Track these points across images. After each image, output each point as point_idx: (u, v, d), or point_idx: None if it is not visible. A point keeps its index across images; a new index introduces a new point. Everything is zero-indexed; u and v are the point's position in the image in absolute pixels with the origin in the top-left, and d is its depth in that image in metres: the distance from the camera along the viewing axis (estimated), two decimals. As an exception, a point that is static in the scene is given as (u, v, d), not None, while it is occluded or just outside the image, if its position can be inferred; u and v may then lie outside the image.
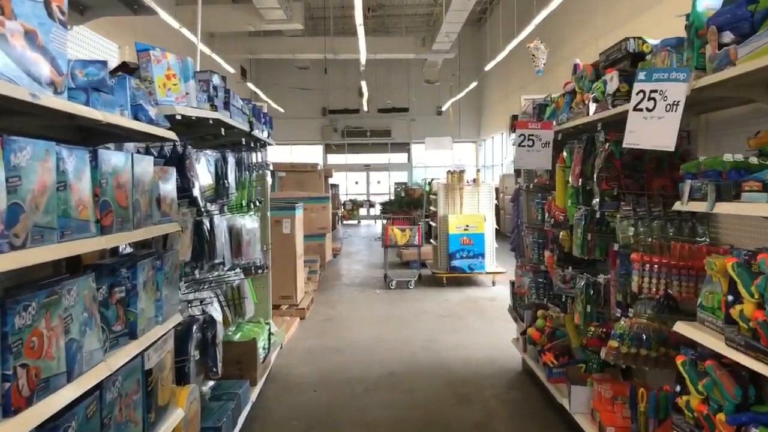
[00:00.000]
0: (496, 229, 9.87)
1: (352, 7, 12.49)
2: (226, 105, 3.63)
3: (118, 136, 2.54)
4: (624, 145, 2.74)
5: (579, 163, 3.72)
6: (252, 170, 4.87)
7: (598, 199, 3.31)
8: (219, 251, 3.78)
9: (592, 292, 3.77)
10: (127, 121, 2.28)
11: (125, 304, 2.28)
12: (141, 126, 2.40)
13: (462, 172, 9.61)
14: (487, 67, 16.33)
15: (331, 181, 26.71)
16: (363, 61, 15.77)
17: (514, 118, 5.28)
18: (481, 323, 7.11)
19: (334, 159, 28.17)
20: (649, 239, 3.10)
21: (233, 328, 4.37)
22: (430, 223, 10.54)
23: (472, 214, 9.56)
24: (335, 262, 12.19)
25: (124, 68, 2.84)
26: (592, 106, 3.47)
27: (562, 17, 14.69)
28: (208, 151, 4.00)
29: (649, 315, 3.04)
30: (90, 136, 2.44)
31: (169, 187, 2.78)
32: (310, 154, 27.09)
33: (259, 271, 4.79)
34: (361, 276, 10.73)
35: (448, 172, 9.72)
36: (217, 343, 3.43)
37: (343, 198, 26.03)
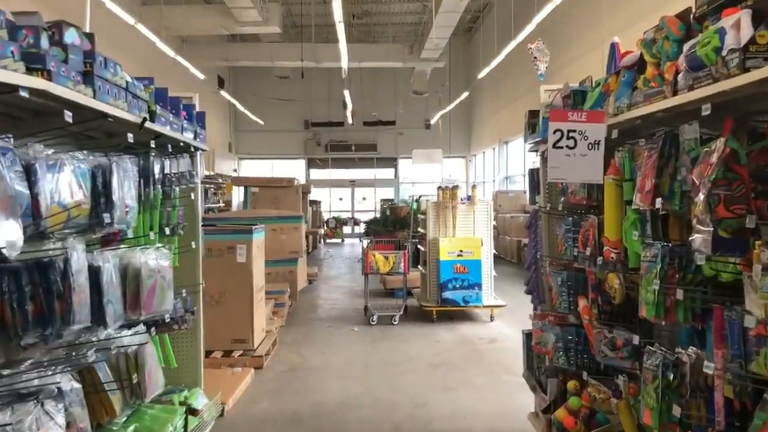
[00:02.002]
0: (496, 255, 8.50)
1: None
2: (88, 75, 2.24)
3: None
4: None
5: (651, 175, 2.36)
6: (170, 184, 3.47)
7: (704, 235, 1.94)
8: (79, 309, 2.37)
9: (672, 376, 2.39)
10: None
11: None
12: None
13: (455, 188, 8.26)
14: (481, 74, 15.08)
15: (312, 197, 25.44)
16: (345, 67, 14.45)
17: (533, 114, 3.92)
18: (483, 378, 5.68)
19: (317, 174, 26.79)
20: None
21: (122, 420, 2.92)
22: (418, 246, 9.15)
23: (467, 238, 8.20)
24: (311, 289, 10.75)
25: None
26: (684, 79, 2.11)
27: (564, 19, 13.49)
28: (79, 154, 2.59)
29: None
30: None
31: None
32: (292, 168, 25.69)
33: (176, 326, 3.37)
34: (339, 307, 9.29)
35: (439, 188, 8.36)
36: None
37: (326, 215, 24.64)
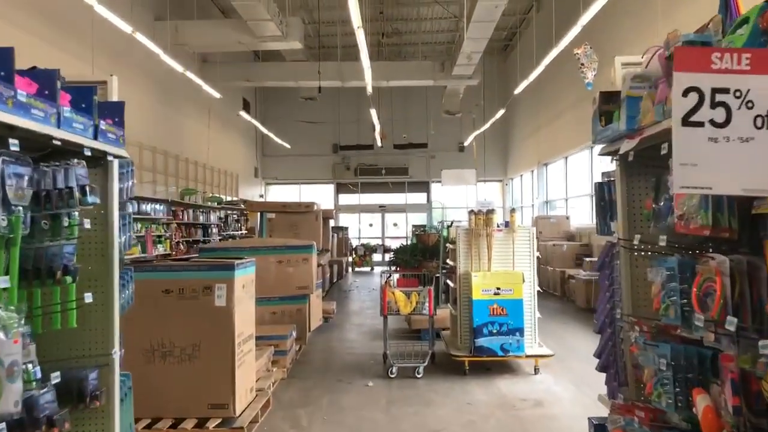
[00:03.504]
0: (538, 291, 7.10)
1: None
2: None
3: None
4: None
5: None
6: (50, 203, 2.25)
7: None
8: None
9: None
10: None
11: None
12: None
13: (490, 212, 6.92)
14: (518, 89, 13.76)
15: (340, 223, 24.29)
16: (369, 81, 13.29)
17: (607, 98, 2.61)
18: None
19: (346, 199, 25.66)
20: None
21: None
22: (448, 282, 7.80)
23: (506, 272, 6.83)
24: (326, 329, 9.45)
25: None
26: None
27: (613, 22, 12.14)
28: None
29: None
30: None
31: None
32: (321, 193, 24.63)
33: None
34: (355, 352, 7.97)
35: (471, 212, 7.03)
36: None
37: (354, 242, 23.42)
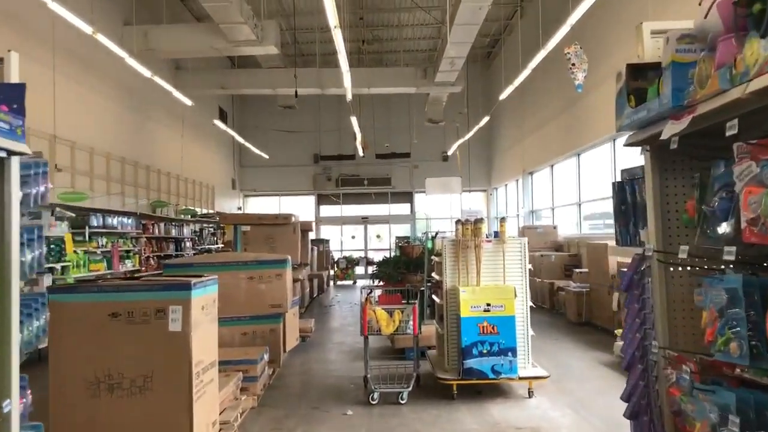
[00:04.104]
0: (531, 306, 6.57)
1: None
2: None
3: None
4: None
5: None
6: None
7: None
8: None
9: None
10: None
11: None
12: None
13: (478, 222, 6.39)
14: (504, 94, 13.33)
15: (320, 235, 23.65)
16: (348, 86, 12.75)
17: (636, 72, 2.07)
18: None
19: (328, 211, 25.05)
20: None
21: None
22: (433, 296, 7.24)
23: (496, 287, 6.29)
24: (303, 349, 8.83)
25: None
26: None
27: (602, 24, 11.74)
28: None
29: None
30: None
31: None
32: (301, 205, 24.00)
33: None
34: (334, 374, 7.37)
35: (459, 222, 6.49)
36: None
37: (336, 255, 22.80)
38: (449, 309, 6.38)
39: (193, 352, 4.24)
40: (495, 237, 6.57)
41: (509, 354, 6.09)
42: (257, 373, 6.09)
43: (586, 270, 11.50)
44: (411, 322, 6.11)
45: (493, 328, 6.10)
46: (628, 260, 2.37)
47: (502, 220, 6.66)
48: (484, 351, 6.07)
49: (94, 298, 4.22)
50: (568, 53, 8.79)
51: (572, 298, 11.12)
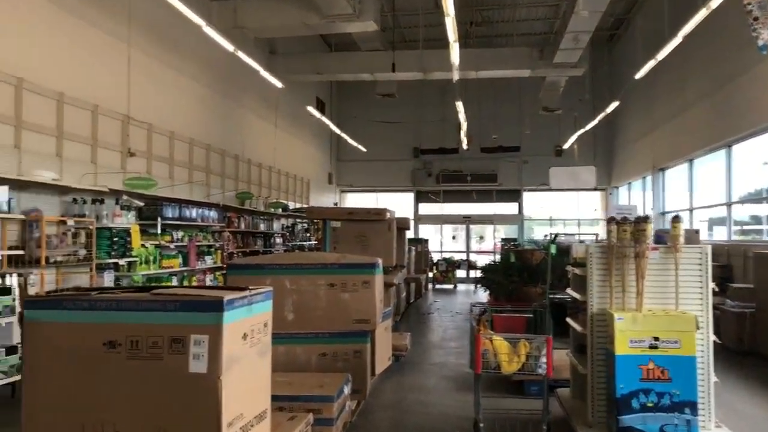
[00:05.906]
0: (714, 342, 4.66)
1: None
2: None
3: None
4: None
5: None
6: None
7: None
8: None
9: None
10: None
11: None
12: None
13: (642, 221, 4.56)
14: (641, 72, 11.15)
15: (418, 235, 22.08)
16: (455, 63, 11.02)
17: None
18: None
19: (427, 209, 23.47)
20: None
21: None
22: (569, 321, 5.44)
23: (669, 313, 4.44)
24: (395, 371, 7.30)
25: None
26: None
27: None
28: None
29: None
30: None
31: None
32: (399, 202, 22.56)
33: None
34: (435, 410, 5.78)
35: (612, 221, 4.68)
36: None
37: (435, 256, 21.17)
38: (596, 341, 4.60)
39: (223, 404, 2.76)
40: (663, 242, 4.71)
41: (686, 410, 4.25)
42: (333, 414, 4.60)
43: (751, 285, 9.21)
44: (544, 359, 4.38)
45: (662, 372, 4.27)
46: None
47: (675, 220, 4.77)
48: (650, 404, 4.27)
49: (84, 317, 2.84)
50: (750, 4, 6.70)
51: (731, 320, 8.91)
